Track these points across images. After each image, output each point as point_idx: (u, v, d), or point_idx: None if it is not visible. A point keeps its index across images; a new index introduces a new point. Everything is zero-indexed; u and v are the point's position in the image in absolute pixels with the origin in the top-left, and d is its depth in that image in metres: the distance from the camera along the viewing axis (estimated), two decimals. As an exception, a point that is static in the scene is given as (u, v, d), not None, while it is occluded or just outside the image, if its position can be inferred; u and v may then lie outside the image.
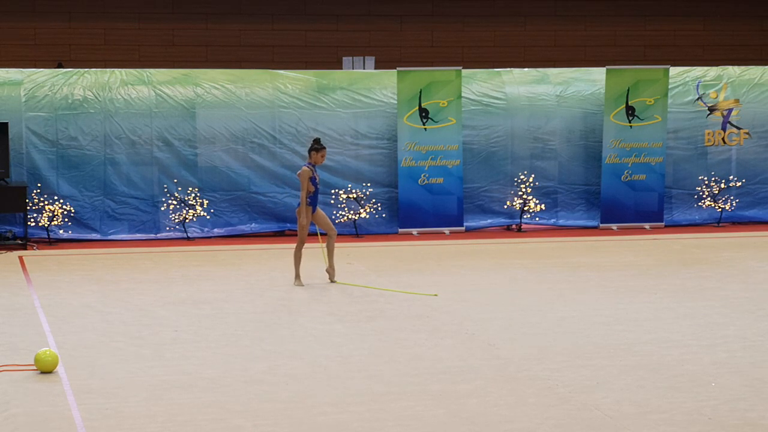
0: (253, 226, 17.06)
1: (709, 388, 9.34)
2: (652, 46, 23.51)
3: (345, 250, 15.94)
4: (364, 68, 22.93)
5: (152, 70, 17.49)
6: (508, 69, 18.49)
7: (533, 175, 17.55)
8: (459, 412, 8.76)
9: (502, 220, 17.63)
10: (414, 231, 17.19)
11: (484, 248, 16.23)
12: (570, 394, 9.22)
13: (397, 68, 17.50)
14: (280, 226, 17.13)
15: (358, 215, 17.06)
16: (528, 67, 19.34)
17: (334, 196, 17.05)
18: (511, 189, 17.56)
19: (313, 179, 13.35)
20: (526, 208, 17.43)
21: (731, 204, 17.79)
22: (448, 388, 9.34)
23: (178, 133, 16.92)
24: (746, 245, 16.27)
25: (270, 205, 17.08)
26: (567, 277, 13.96)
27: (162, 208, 16.79)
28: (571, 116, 17.84)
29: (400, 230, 17.22)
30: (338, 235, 16.96)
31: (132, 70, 17.44)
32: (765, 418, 8.61)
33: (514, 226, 17.60)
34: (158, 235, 16.77)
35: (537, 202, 17.49)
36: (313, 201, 13.41)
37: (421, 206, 17.25)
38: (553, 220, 17.69)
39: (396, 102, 17.31)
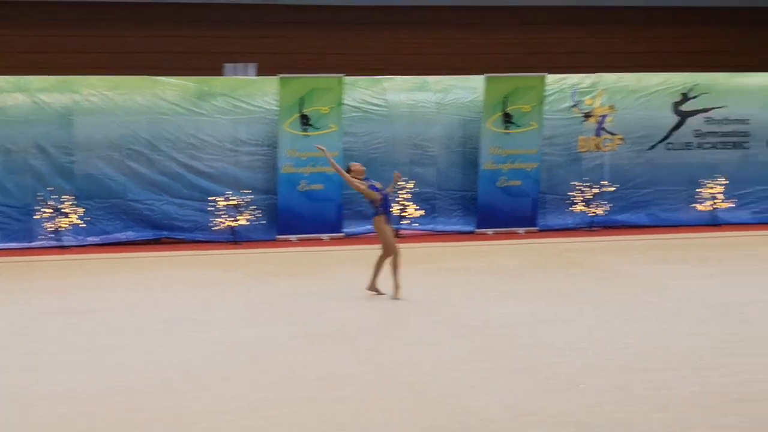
0: (129, 234, 16.89)
1: (579, 390, 9.52)
2: (529, 54, 23.83)
3: (223, 257, 15.89)
4: (246, 75, 22.85)
5: (30, 78, 17.22)
6: (390, 76, 18.61)
7: (413, 181, 17.69)
8: (333, 418, 8.81)
9: (380, 227, 17.72)
10: (293, 237, 17.20)
11: (362, 254, 16.28)
12: (443, 398, 9.33)
13: (279, 75, 17.50)
14: (156, 233, 16.99)
15: (236, 222, 17.01)
16: (409, 74, 19.49)
17: (212, 204, 16.96)
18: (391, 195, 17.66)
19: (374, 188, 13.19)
20: (404, 214, 17.56)
21: (604, 208, 18.14)
22: (323, 395, 9.38)
23: (55, 141, 16.69)
24: (618, 249, 16.61)
25: (147, 213, 16.93)
26: (443, 281, 14.09)
27: (36, 217, 16.54)
28: (451, 123, 18.03)
29: (278, 237, 17.22)
30: (216, 242, 16.94)
31: (9, 77, 17.16)
32: (632, 419, 8.81)
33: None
34: (31, 243, 16.51)
35: (416, 207, 17.64)
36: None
37: (301, 213, 17.27)
38: (431, 226, 17.85)
39: (277, 109, 17.31)
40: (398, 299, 12.95)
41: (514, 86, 17.87)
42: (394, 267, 13.12)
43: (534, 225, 17.91)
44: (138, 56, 22.23)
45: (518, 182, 17.84)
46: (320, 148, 14.01)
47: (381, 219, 13.12)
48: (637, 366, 10.25)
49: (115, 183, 16.84)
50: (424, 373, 10.00)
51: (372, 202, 13.16)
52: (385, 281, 13.30)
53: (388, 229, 13.16)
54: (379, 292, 13.18)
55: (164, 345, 11.01)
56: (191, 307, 12.79)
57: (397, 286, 13.07)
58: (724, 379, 9.83)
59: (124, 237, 16.86)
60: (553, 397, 9.34)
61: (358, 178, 13.21)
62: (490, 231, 17.76)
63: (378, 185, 13.24)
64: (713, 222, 18.45)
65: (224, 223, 16.94)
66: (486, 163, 17.74)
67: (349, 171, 13.35)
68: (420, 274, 14.48)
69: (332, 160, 13.66)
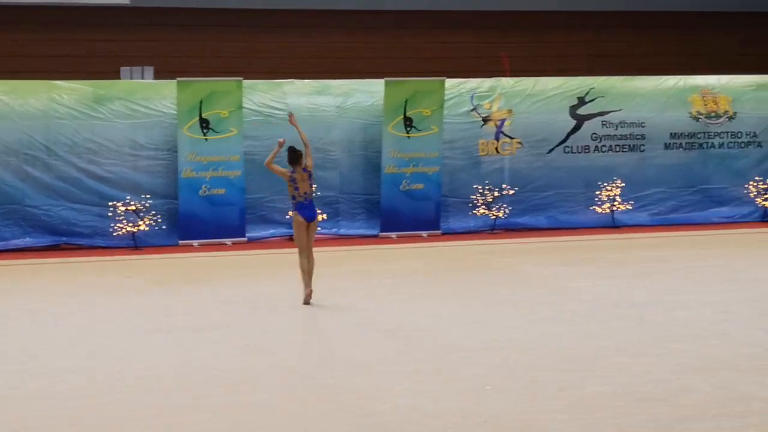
0: (28, 241, 16.59)
1: (486, 392, 9.59)
2: (429, 58, 23.96)
3: (123, 263, 15.70)
4: (143, 78, 22.60)
5: None
6: (289, 80, 18.56)
7: (315, 185, 17.62)
8: (243, 423, 8.75)
9: (284, 230, 17.67)
10: (195, 242, 17.05)
11: (265, 259, 16.24)
12: (352, 400, 9.33)
13: (177, 79, 17.34)
14: (55, 240, 16.71)
15: (136, 227, 16.80)
16: (309, 78, 19.45)
17: (112, 209, 16.74)
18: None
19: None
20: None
21: (504, 211, 18.31)
22: (232, 400, 9.32)
23: (-52, 146, 16.33)
24: (520, 251, 16.78)
25: (45, 219, 16.65)
26: (351, 285, 14.09)
27: (-68, 223, 16.18)
28: (352, 127, 18.04)
29: (180, 242, 17.05)
30: (116, 248, 16.72)
31: None
32: (539, 420, 8.90)
33: (296, 237, 17.68)
34: (-76, 251, 16.14)
35: (319, 211, 17.58)
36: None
37: (202, 217, 17.13)
38: (334, 230, 17.83)
39: (176, 112, 17.15)
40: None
41: (414, 90, 17.96)
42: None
43: (437, 228, 18.01)
44: (34, 60, 21.86)
45: (420, 185, 17.92)
46: (291, 117, 13.71)
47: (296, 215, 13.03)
48: (544, 367, 10.36)
49: (12, 188, 16.54)
50: (335, 377, 9.98)
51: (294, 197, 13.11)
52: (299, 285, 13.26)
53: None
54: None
55: (66, 352, 10.83)
56: (92, 313, 12.61)
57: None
58: (629, 379, 9.98)
59: (23, 243, 16.56)
60: (462, 399, 9.39)
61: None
62: (393, 234, 17.81)
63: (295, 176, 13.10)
64: (612, 224, 18.73)
65: (124, 228, 16.72)
66: (388, 167, 17.79)
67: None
68: (327, 278, 14.46)
69: (302, 133, 13.41)
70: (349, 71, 22.52)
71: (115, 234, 16.70)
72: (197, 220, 17.10)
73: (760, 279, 14.47)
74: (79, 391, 9.53)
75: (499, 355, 10.81)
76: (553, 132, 18.81)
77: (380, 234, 17.86)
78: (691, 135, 19.32)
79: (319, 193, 17.63)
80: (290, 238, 17.65)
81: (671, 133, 19.27)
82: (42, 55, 21.94)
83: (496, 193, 18.26)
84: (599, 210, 18.72)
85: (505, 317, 12.41)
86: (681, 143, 19.30)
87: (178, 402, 9.26)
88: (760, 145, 19.56)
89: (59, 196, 16.69)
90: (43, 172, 16.66)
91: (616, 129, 19.05)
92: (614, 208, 18.71)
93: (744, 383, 9.83)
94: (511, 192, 18.39)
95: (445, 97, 18.16)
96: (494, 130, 18.56)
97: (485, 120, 18.55)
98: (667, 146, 19.23)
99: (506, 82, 18.94)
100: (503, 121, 18.61)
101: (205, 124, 17.16)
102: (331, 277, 14.48)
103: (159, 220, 16.98)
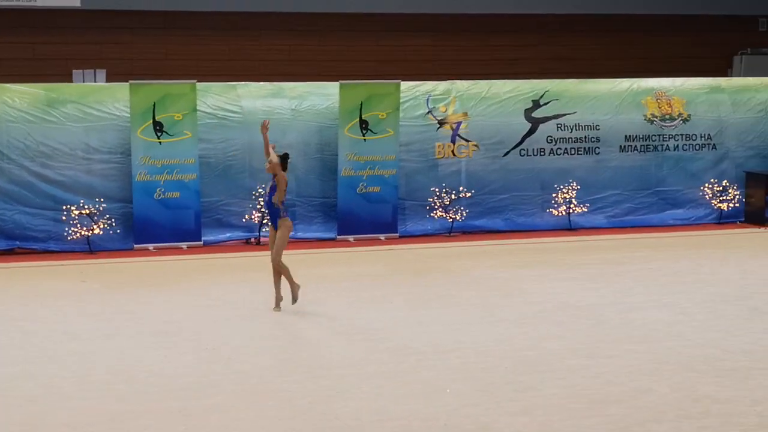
0: (-19, 245, 16.40)
1: (444, 394, 9.59)
2: (384, 61, 23.96)
3: (79, 267, 15.56)
4: (95, 81, 22.42)
5: None
6: (244, 83, 18.47)
7: (271, 189, 17.56)
8: (199, 428, 8.70)
9: (240, 234, 17.58)
10: (150, 246, 16.92)
11: (223, 262, 16.16)
12: (310, 405, 9.30)
13: (130, 81, 17.21)
14: (9, 244, 16.51)
15: (91, 231, 16.65)
16: (263, 80, 19.35)
17: (66, 213, 16.58)
18: (249, 202, 17.53)
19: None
20: (264, 221, 17.44)
21: (461, 214, 18.32)
22: (188, 405, 9.26)
23: None
24: (476, 254, 16.79)
25: (-2, 223, 16.48)
26: (307, 288, 14.02)
27: None
28: (307, 130, 17.97)
29: (135, 246, 16.92)
30: (71, 252, 16.56)
31: None
32: (497, 422, 8.91)
33: (252, 240, 17.59)
34: None
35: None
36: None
37: (158, 221, 17.00)
38: (290, 233, 17.72)
39: (129, 115, 17.01)
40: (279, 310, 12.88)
41: (369, 93, 17.92)
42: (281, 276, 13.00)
43: (395, 231, 17.97)
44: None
45: (377, 188, 17.89)
46: (265, 128, 13.58)
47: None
48: (501, 369, 10.38)
49: (-35, 193, 16.34)
50: (294, 381, 9.94)
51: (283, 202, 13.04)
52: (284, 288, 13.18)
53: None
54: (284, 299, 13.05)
55: (22, 357, 10.71)
56: (48, 318, 12.48)
57: (280, 297, 13.02)
58: (585, 381, 10.02)
59: (-24, 248, 16.37)
60: (419, 401, 9.39)
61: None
62: (351, 238, 17.76)
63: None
64: (568, 227, 18.79)
65: (79, 232, 16.57)
66: (345, 170, 17.74)
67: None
68: (284, 282, 14.38)
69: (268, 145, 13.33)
70: (303, 74, 22.48)
71: (69, 238, 16.54)
72: (152, 223, 16.97)
73: (715, 280, 14.58)
74: (31, 398, 9.42)
75: (457, 357, 10.81)
76: (509, 135, 18.84)
77: (337, 237, 17.81)
78: (646, 137, 19.42)
79: (275, 197, 17.56)
80: (246, 241, 17.59)
81: (626, 136, 19.35)
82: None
83: (453, 196, 18.27)
84: (555, 212, 18.77)
85: (463, 320, 12.42)
86: (636, 146, 19.39)
87: (130, 408, 9.18)
88: (714, 147, 19.70)
89: (13, 200, 16.50)
90: (-5, 176, 16.48)
91: (571, 132, 19.11)
92: (570, 211, 18.77)
93: (701, 384, 9.89)
94: (468, 195, 18.40)
95: (401, 100, 18.15)
96: (450, 132, 18.57)
97: (441, 123, 18.55)
98: (622, 149, 19.32)
99: (461, 85, 18.96)
100: (459, 124, 18.61)
101: (158, 127, 17.03)
102: (284, 281, 14.41)
103: (114, 224, 16.82)
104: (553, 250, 17.05)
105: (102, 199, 16.79)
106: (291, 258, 16.15)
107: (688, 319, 12.38)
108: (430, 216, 18.30)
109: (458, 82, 19.14)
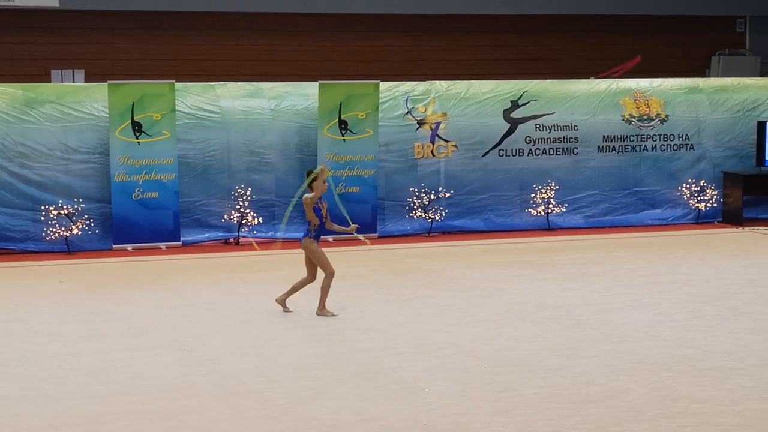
0: (-42, 248, 16.34)
1: (423, 394, 9.60)
2: (363, 61, 23.96)
3: (57, 267, 15.51)
4: (73, 81, 22.35)
5: None
6: (222, 83, 18.44)
7: (250, 189, 17.55)
8: (178, 429, 8.68)
9: (220, 234, 17.56)
10: (129, 247, 16.88)
11: (201, 263, 16.13)
12: (289, 405, 9.29)
13: (108, 81, 17.16)
14: (-13, 246, 16.49)
15: (70, 232, 16.60)
16: (243, 81, 19.32)
17: (44, 213, 16.52)
18: (229, 202, 17.51)
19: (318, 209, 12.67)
20: (244, 222, 17.43)
21: (441, 214, 18.34)
22: (167, 406, 9.24)
23: None
24: (455, 254, 16.81)
25: (-24, 223, 16.42)
26: (284, 289, 14.00)
27: None
28: (287, 130, 17.95)
29: (114, 246, 16.87)
30: (49, 252, 16.50)
31: None
32: (476, 422, 8.92)
33: (232, 240, 17.57)
34: None
35: (255, 215, 17.51)
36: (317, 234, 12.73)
37: (136, 221, 16.96)
38: (271, 233, 17.73)
39: (108, 116, 16.97)
40: (329, 315, 12.67)
41: (348, 93, 17.91)
42: (303, 285, 12.86)
43: (374, 231, 17.97)
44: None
45: (357, 189, 17.89)
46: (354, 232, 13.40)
47: (312, 241, 12.88)
48: (479, 369, 10.39)
49: (-58, 193, 16.28)
50: (272, 381, 9.94)
51: (310, 223, 12.90)
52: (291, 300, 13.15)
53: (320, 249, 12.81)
54: (286, 310, 12.87)
55: (0, 358, 10.69)
56: (26, 319, 12.44)
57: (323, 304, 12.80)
58: (564, 380, 10.04)
59: (-48, 251, 16.30)
60: (398, 401, 9.40)
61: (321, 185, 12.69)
62: (330, 238, 17.72)
63: (321, 205, 12.80)
64: (547, 227, 18.83)
65: (58, 233, 16.52)
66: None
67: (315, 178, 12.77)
68: (264, 282, 14.40)
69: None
70: (283, 74, 22.46)
71: (48, 238, 16.49)
72: (131, 224, 16.93)
73: (694, 281, 14.63)
74: (10, 399, 9.38)
75: (435, 357, 10.82)
76: (488, 135, 18.87)
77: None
78: (624, 138, 19.48)
79: (254, 197, 17.56)
80: (225, 242, 17.56)
81: (604, 136, 19.41)
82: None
83: (432, 196, 18.29)
84: (534, 213, 18.81)
85: (442, 320, 12.43)
86: (614, 146, 19.45)
87: (109, 409, 9.16)
88: (692, 147, 19.78)
89: (-10, 202, 16.45)
90: (-28, 177, 16.42)
91: (549, 132, 19.15)
92: (549, 211, 18.81)
93: (680, 384, 9.92)
94: (447, 195, 18.43)
95: (380, 101, 18.15)
96: (429, 133, 18.58)
97: (420, 123, 18.56)
98: (600, 149, 19.37)
99: (440, 86, 18.97)
100: (438, 124, 18.63)
101: (137, 127, 16.99)
102: (268, 282, 14.41)
103: (92, 225, 16.78)
104: (531, 250, 17.08)
105: (81, 200, 16.74)
106: (271, 258, 16.16)
107: (667, 319, 12.42)
108: (409, 216, 18.32)
109: (437, 82, 19.15)
